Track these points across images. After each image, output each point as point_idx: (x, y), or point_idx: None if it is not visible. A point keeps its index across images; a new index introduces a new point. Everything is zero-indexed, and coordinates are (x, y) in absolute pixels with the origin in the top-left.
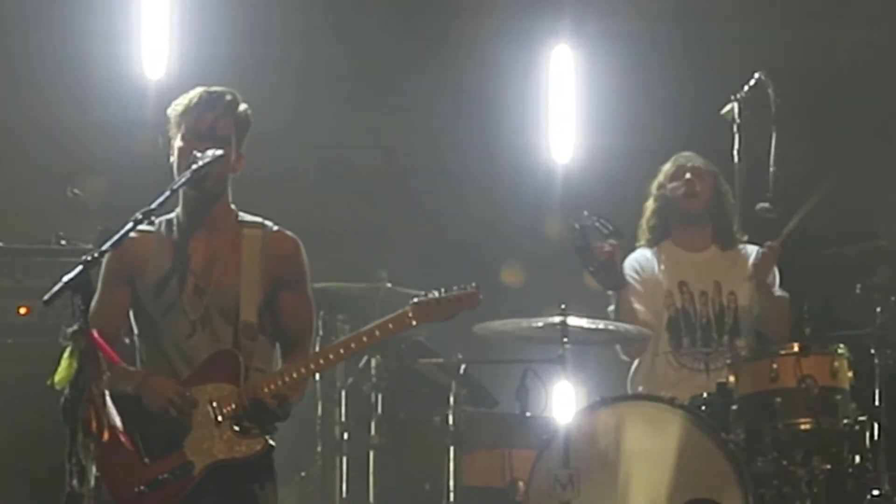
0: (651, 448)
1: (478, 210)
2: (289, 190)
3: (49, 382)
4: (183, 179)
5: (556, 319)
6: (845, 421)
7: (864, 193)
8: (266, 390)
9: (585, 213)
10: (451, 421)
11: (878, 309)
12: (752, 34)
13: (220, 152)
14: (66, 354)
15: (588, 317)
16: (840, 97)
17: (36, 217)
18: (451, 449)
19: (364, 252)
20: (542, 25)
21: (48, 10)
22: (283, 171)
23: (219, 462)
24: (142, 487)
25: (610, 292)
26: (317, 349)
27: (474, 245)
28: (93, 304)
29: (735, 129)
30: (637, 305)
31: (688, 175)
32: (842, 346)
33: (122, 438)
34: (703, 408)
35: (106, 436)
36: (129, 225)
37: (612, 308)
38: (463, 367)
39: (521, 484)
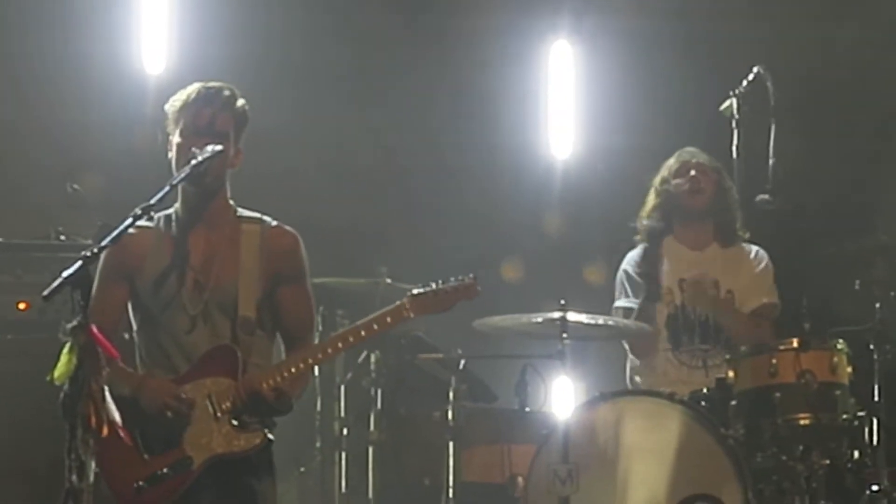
0: (650, 443)
1: (477, 206)
2: (289, 186)
3: (48, 378)
4: (182, 175)
5: (556, 315)
6: (844, 416)
7: (863, 189)
8: (265, 385)
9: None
10: (450, 416)
11: (878, 304)
12: (752, 30)
13: (219, 148)
14: (65, 350)
15: (587, 312)
16: (839, 94)
17: (35, 212)
18: (451, 444)
19: (364, 248)
20: (541, 21)
21: (48, 6)
22: (284, 168)
23: (217, 456)
24: (141, 483)
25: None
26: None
27: (474, 240)
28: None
29: (734, 124)
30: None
31: (692, 172)
32: (841, 341)
33: (122, 434)
34: (703, 403)
35: (105, 431)
36: (129, 220)
37: (618, 304)
38: (462, 362)
39: (520, 479)
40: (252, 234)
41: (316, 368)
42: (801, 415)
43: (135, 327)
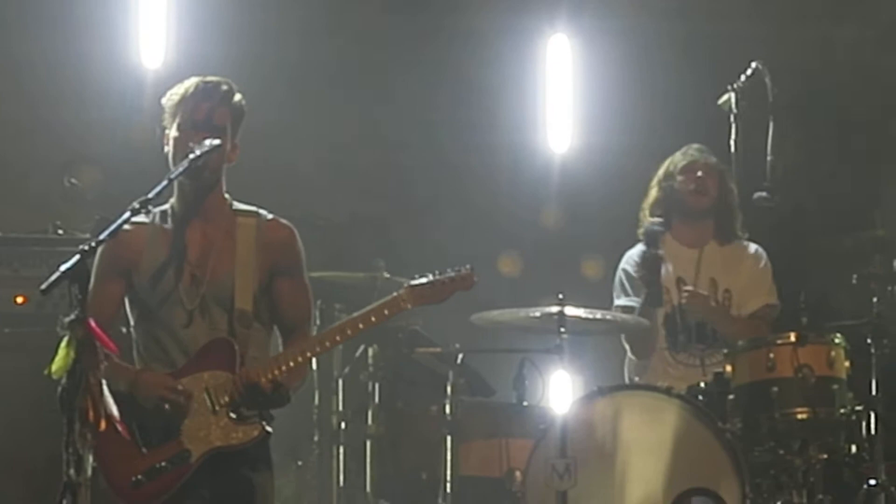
0: (648, 438)
1: (475, 200)
2: (287, 180)
3: (46, 372)
4: (180, 169)
5: (554, 309)
6: (842, 410)
7: (861, 184)
8: (263, 378)
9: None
10: (448, 410)
11: (875, 299)
12: (751, 27)
13: (217, 142)
14: (63, 344)
15: (585, 307)
16: (838, 92)
17: (33, 206)
18: (449, 438)
19: (362, 241)
20: (538, 16)
21: (46, 1)
22: (282, 163)
23: (216, 449)
24: (139, 476)
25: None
26: None
27: (472, 235)
28: None
29: (732, 119)
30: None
31: (700, 173)
32: (839, 335)
33: (120, 427)
34: (700, 398)
35: (103, 425)
36: (126, 214)
37: (619, 304)
38: (460, 356)
39: (518, 473)
40: (248, 228)
41: (314, 362)
42: (799, 409)
43: (132, 322)
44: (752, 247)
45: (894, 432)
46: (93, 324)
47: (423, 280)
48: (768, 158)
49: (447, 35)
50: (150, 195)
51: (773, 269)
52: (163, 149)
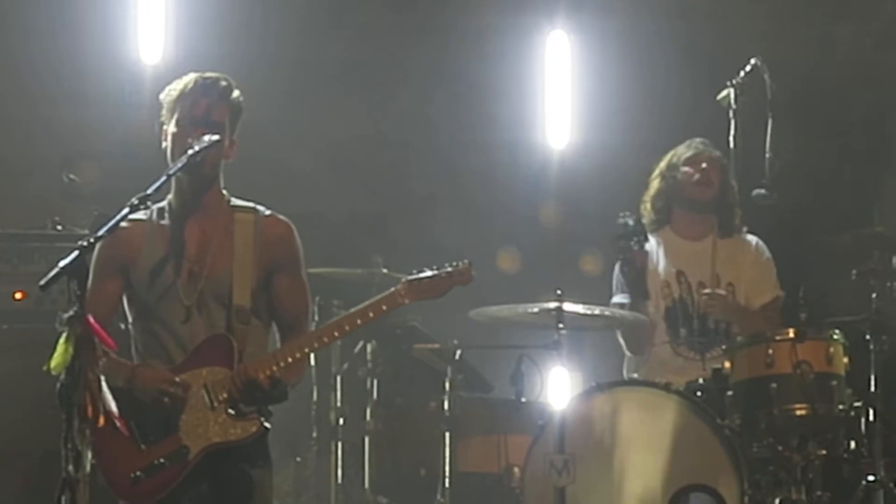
0: (647, 434)
1: (474, 196)
2: (285, 176)
3: (45, 368)
4: (179, 165)
5: (552, 305)
6: (841, 407)
7: (860, 180)
8: (261, 375)
9: (627, 213)
10: (446, 406)
11: (874, 295)
12: (749, 23)
13: (216, 137)
14: (62, 340)
15: (584, 303)
16: (837, 89)
17: (32, 202)
18: (447, 434)
19: (360, 238)
20: (537, 12)
21: None
22: (280, 158)
23: (214, 445)
24: (138, 473)
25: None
26: None
27: (470, 231)
28: None
29: (731, 115)
30: (651, 309)
31: (704, 165)
32: (837, 331)
33: (118, 424)
34: (699, 394)
35: (102, 421)
36: (125, 210)
37: (615, 301)
38: (458, 352)
39: (516, 469)
40: (246, 224)
41: (312, 358)
42: (798, 405)
43: (130, 319)
44: (753, 239)
45: (893, 428)
46: (91, 320)
47: (421, 275)
48: (767, 155)
49: (446, 32)
50: (148, 191)
51: None
52: (161, 144)
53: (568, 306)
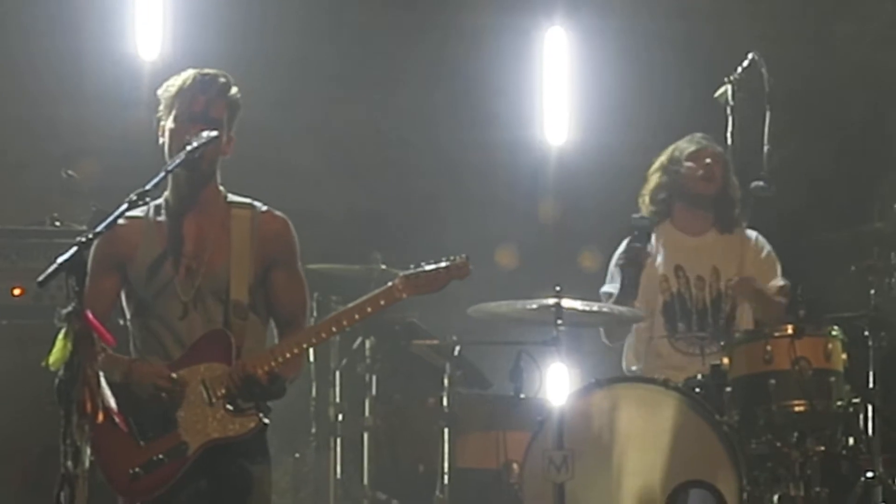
0: (645, 430)
1: (472, 192)
2: (283, 172)
3: (43, 364)
4: (177, 161)
5: (551, 301)
6: (839, 403)
7: (859, 177)
8: (260, 371)
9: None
10: (445, 402)
11: (873, 291)
12: (747, 21)
13: (214, 134)
14: (60, 336)
15: (582, 299)
16: (837, 87)
17: (30, 199)
18: (446, 430)
19: (358, 234)
20: (535, 9)
21: None
22: (278, 154)
23: (213, 441)
24: (137, 469)
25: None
26: None
27: (469, 227)
28: None
29: (729, 111)
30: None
31: (708, 160)
32: (836, 328)
33: (117, 419)
34: (698, 390)
35: (101, 417)
36: (124, 206)
37: (604, 290)
38: (457, 348)
39: (515, 465)
40: (243, 219)
41: (311, 354)
42: (796, 401)
43: (128, 315)
44: (753, 234)
45: (891, 425)
46: (90, 316)
47: (419, 269)
48: (765, 148)
49: (445, 29)
50: (147, 187)
51: None
52: (158, 140)
53: (566, 303)
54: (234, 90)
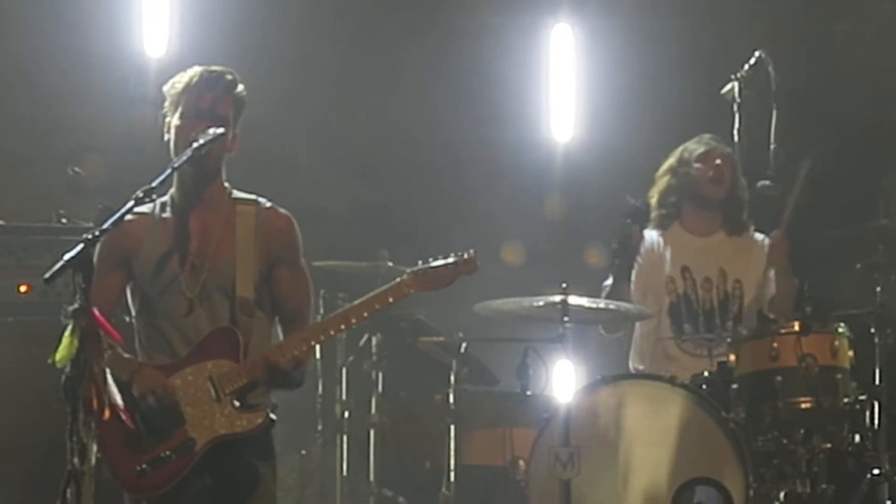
0: (651, 427)
1: (478, 189)
2: (289, 169)
3: (50, 361)
4: (184, 157)
5: (557, 298)
6: (845, 400)
7: (865, 174)
8: (282, 360)
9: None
10: (451, 399)
11: (879, 288)
12: (752, 19)
13: (220, 131)
14: (67, 332)
15: (588, 296)
16: (841, 82)
17: (37, 196)
18: (452, 427)
19: (365, 231)
20: (541, 6)
21: None
22: (283, 150)
23: (220, 437)
24: (143, 466)
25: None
26: None
27: (475, 224)
28: None
29: (735, 108)
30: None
31: (718, 161)
32: (842, 325)
33: (124, 416)
34: (704, 387)
35: (107, 414)
36: (130, 203)
37: (606, 284)
38: (464, 345)
39: (521, 462)
40: (247, 216)
41: (317, 351)
42: (803, 398)
43: (133, 312)
44: (760, 237)
45: None
46: (97, 313)
47: (426, 265)
48: (771, 146)
49: (450, 26)
50: (153, 184)
51: None
52: (164, 137)
53: (573, 299)
54: (240, 87)
